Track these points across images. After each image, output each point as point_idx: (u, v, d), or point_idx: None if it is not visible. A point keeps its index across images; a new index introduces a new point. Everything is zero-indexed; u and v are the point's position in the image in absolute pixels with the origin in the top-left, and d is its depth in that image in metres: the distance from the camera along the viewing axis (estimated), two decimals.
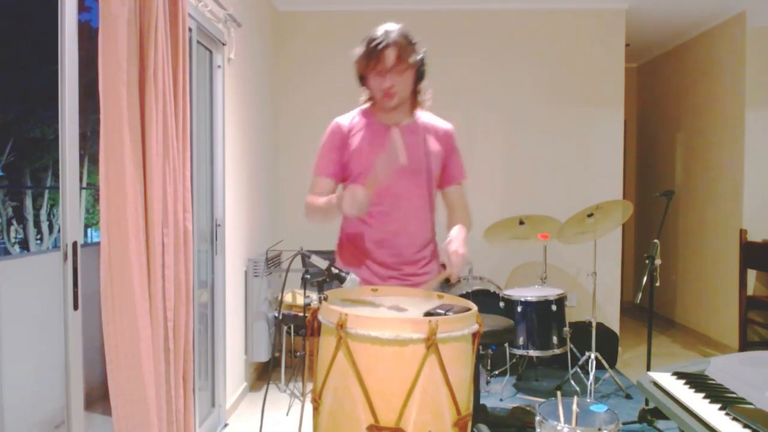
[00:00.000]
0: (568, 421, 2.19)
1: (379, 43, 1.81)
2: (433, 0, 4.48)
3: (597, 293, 4.01)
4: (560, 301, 3.74)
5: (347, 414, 1.42)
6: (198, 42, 2.93)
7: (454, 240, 1.77)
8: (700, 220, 5.22)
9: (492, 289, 4.00)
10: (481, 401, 3.45)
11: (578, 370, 3.79)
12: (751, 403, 1.34)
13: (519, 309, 3.70)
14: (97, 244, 1.79)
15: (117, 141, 1.78)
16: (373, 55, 1.82)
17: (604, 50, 4.60)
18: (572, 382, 3.78)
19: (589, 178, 4.64)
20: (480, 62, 4.63)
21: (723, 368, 1.57)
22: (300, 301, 3.75)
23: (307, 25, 4.64)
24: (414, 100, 1.96)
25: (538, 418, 2.26)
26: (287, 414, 3.46)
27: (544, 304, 3.70)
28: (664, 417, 1.52)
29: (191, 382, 2.27)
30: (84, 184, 7.43)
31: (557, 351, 3.70)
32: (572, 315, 4.43)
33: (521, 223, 4.05)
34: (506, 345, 3.76)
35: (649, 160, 6.30)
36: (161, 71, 1.97)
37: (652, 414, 3.10)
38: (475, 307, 1.57)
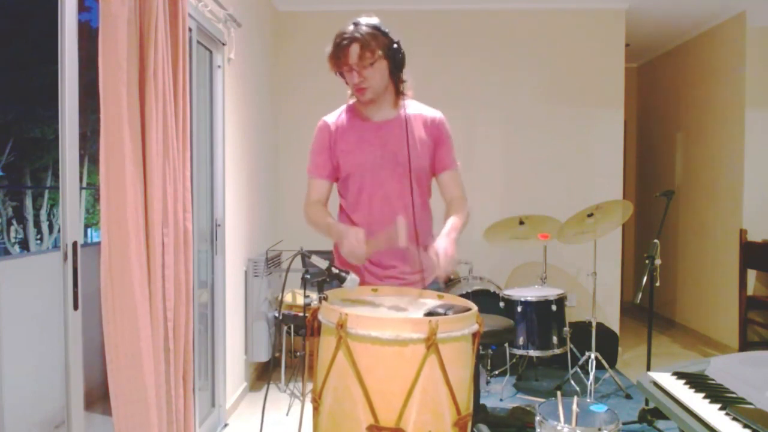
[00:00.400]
0: (568, 421, 2.19)
1: (342, 40, 1.82)
2: (433, 0, 4.48)
3: (597, 293, 4.01)
4: (560, 301, 3.74)
5: (347, 414, 1.42)
6: (198, 42, 2.93)
7: (442, 238, 1.74)
8: (700, 220, 5.22)
9: (492, 289, 4.00)
10: (481, 401, 3.45)
11: (578, 370, 3.79)
12: (751, 403, 1.34)
13: (519, 309, 3.70)
14: (97, 244, 1.79)
15: (117, 141, 1.78)
16: (337, 52, 1.83)
17: (604, 50, 4.60)
18: (572, 382, 3.78)
19: (589, 178, 4.64)
20: (480, 62, 4.63)
21: (723, 368, 1.57)
22: (300, 301, 3.75)
23: (307, 25, 4.64)
24: (395, 91, 1.93)
25: (538, 418, 2.26)
26: (287, 414, 3.46)
27: (544, 304, 3.70)
28: (664, 417, 1.52)
29: (191, 382, 2.27)
30: (84, 184, 7.43)
31: (557, 351, 3.70)
32: (572, 315, 4.43)
33: (521, 223, 4.05)
34: (506, 345, 3.76)
35: (649, 160, 6.30)
36: (161, 71, 1.97)
37: (652, 414, 3.10)
38: (475, 307, 1.57)
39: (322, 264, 1.69)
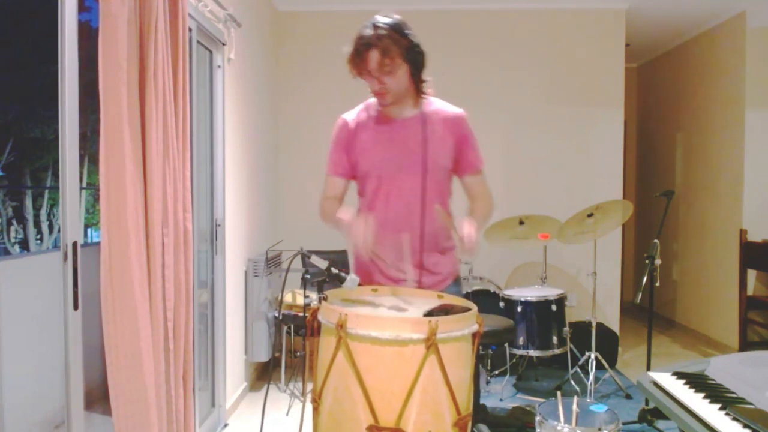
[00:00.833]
0: (568, 421, 2.19)
1: (361, 45, 1.75)
2: (433, 0, 4.48)
3: (597, 293, 4.01)
4: (560, 301, 3.74)
5: (347, 414, 1.42)
6: (198, 42, 2.93)
7: (464, 222, 1.75)
8: (700, 220, 5.22)
9: (492, 289, 4.00)
10: (481, 401, 3.45)
11: (578, 370, 3.79)
12: (751, 403, 1.34)
13: (519, 309, 3.70)
14: (97, 244, 1.79)
15: (117, 141, 1.78)
16: (356, 57, 1.76)
17: (604, 50, 4.60)
18: (572, 382, 3.78)
19: (589, 178, 4.64)
20: (480, 62, 4.63)
21: (723, 368, 1.57)
22: (300, 301, 3.75)
23: (307, 25, 4.64)
24: (416, 89, 1.88)
25: (538, 418, 2.26)
26: (287, 414, 3.46)
27: (544, 304, 3.70)
28: (664, 417, 1.52)
29: (191, 382, 2.27)
30: (84, 184, 7.43)
31: (557, 351, 3.70)
32: (572, 315, 4.43)
33: (521, 223, 4.05)
34: (506, 345, 3.76)
35: (649, 160, 6.30)
36: (161, 71, 1.97)
37: (652, 414, 3.10)
38: (475, 307, 1.57)
39: (322, 264, 1.69)
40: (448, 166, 1.92)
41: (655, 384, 1.59)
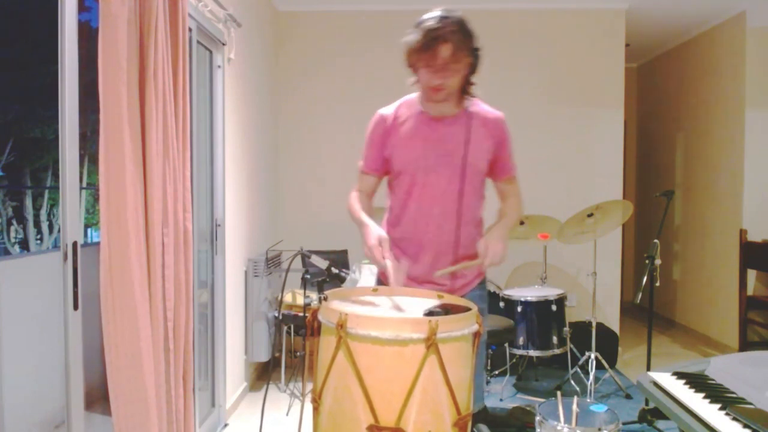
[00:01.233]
0: (568, 421, 2.18)
1: (432, 38, 1.67)
2: (433, 0, 4.47)
3: (597, 293, 4.01)
4: (560, 301, 3.74)
5: (347, 414, 1.42)
6: (198, 42, 2.93)
7: (493, 231, 1.75)
8: (700, 220, 5.22)
9: (492, 289, 4.00)
10: None
11: (578, 370, 3.79)
12: (751, 403, 1.34)
13: (519, 309, 3.70)
14: (97, 244, 1.79)
15: (117, 141, 1.78)
16: (426, 48, 1.68)
17: (604, 50, 4.60)
18: (572, 382, 3.78)
19: (589, 178, 4.64)
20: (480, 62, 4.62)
21: (723, 368, 1.57)
22: (300, 301, 3.75)
23: (307, 25, 4.64)
24: (463, 89, 1.85)
25: (538, 418, 2.26)
26: (287, 414, 3.46)
27: (544, 304, 3.70)
28: (664, 417, 1.52)
29: (191, 382, 2.27)
30: (84, 184, 7.43)
31: (557, 351, 3.70)
32: (572, 315, 4.43)
33: (521, 223, 4.05)
34: (506, 345, 3.76)
35: (649, 160, 6.30)
36: (161, 71, 1.97)
37: (652, 414, 3.10)
38: (475, 307, 1.56)
39: (322, 264, 1.69)
40: (485, 169, 1.89)
41: (655, 384, 1.59)
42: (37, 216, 8.09)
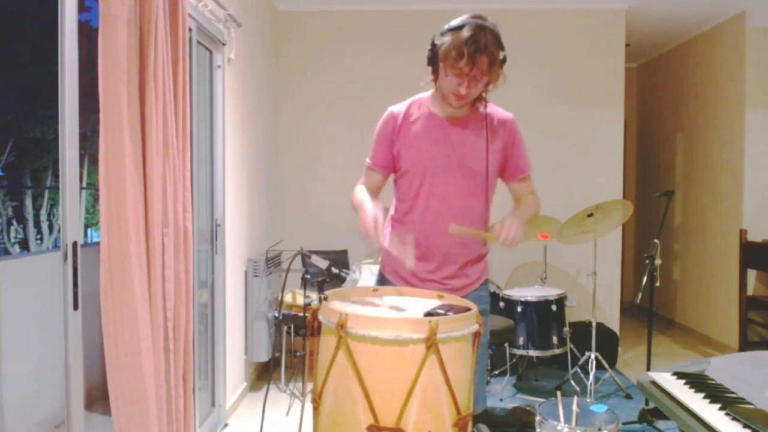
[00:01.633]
0: (568, 421, 2.18)
1: (473, 48, 1.65)
2: (433, 0, 4.48)
3: (597, 293, 4.01)
4: (560, 301, 3.74)
5: (347, 414, 1.42)
6: (198, 42, 2.93)
7: (510, 215, 1.74)
8: (700, 220, 5.22)
9: (492, 289, 3.99)
10: None
11: (578, 370, 3.79)
12: (751, 403, 1.34)
13: (519, 309, 3.70)
14: (97, 244, 1.79)
15: (117, 141, 1.78)
16: (460, 57, 1.67)
17: (604, 50, 4.60)
18: (572, 382, 3.78)
19: (589, 178, 4.64)
20: None
21: (723, 368, 1.57)
22: (300, 301, 3.75)
23: (307, 25, 4.65)
24: (479, 96, 1.85)
25: (538, 418, 2.26)
26: (287, 414, 3.46)
27: (544, 304, 3.70)
28: (664, 417, 1.52)
29: (191, 382, 2.27)
30: (84, 184, 7.43)
31: (557, 351, 3.70)
32: (572, 315, 4.43)
33: None
34: (506, 345, 3.76)
35: (649, 160, 6.30)
36: (161, 71, 1.97)
37: (652, 414, 3.10)
38: (475, 307, 1.57)
39: (322, 264, 1.69)
40: (495, 171, 1.88)
41: (655, 384, 1.59)
42: (37, 216, 8.10)
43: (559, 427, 2.17)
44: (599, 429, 2.14)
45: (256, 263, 3.70)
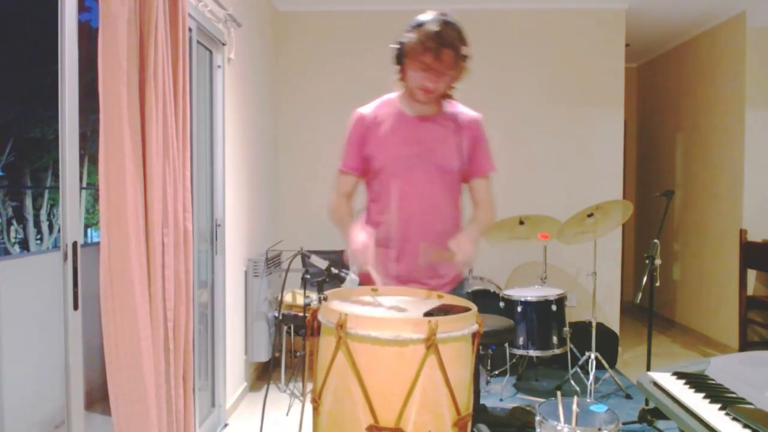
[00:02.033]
0: (568, 421, 2.19)
1: (436, 43, 1.69)
2: (433, 1, 4.47)
3: (597, 293, 4.01)
4: (560, 301, 3.74)
5: (347, 414, 1.42)
6: (198, 42, 2.93)
7: (464, 232, 1.76)
8: (700, 220, 5.22)
9: (492, 289, 4.00)
10: (481, 401, 3.45)
11: (578, 370, 3.79)
12: (751, 403, 1.34)
13: (519, 309, 3.70)
14: (97, 244, 1.79)
15: (117, 141, 1.78)
16: (426, 51, 1.70)
17: (604, 50, 4.60)
18: (572, 382, 3.78)
19: (589, 178, 4.64)
20: (480, 62, 4.59)
21: (723, 368, 1.57)
22: (300, 301, 3.75)
23: (307, 25, 4.65)
24: (445, 92, 1.87)
25: (538, 418, 2.26)
26: (287, 414, 3.46)
27: (544, 304, 3.70)
28: (664, 417, 1.52)
29: (191, 382, 2.27)
30: (84, 184, 7.43)
31: (557, 351, 3.70)
32: (572, 315, 4.43)
33: (521, 223, 4.05)
34: (506, 345, 3.76)
35: (649, 160, 6.30)
36: (161, 71, 1.97)
37: (652, 414, 3.10)
38: (475, 307, 1.56)
39: (322, 264, 1.69)
40: (462, 168, 1.91)
41: (655, 384, 1.59)
42: (37, 216, 8.10)
43: (559, 427, 2.17)
44: (599, 429, 2.15)
45: (256, 263, 3.70)
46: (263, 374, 4.16)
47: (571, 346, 3.85)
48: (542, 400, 2.98)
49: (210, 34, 3.00)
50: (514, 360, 4.02)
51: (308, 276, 3.45)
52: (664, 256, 5.21)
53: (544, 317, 3.69)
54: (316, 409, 1.56)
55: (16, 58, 7.44)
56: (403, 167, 1.84)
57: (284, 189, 4.71)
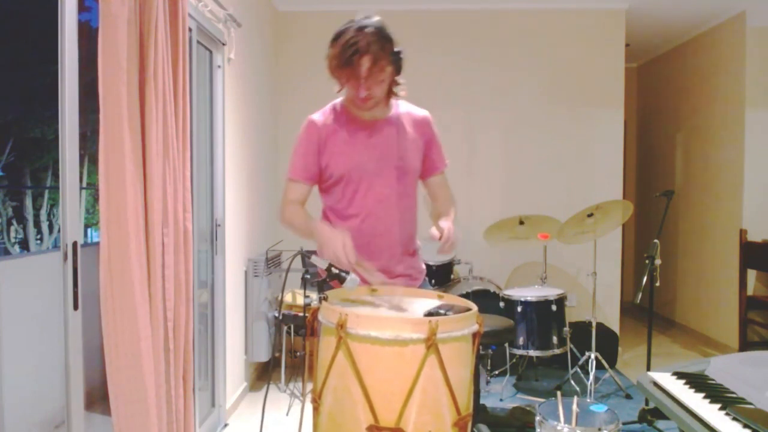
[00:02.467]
0: (568, 421, 2.19)
1: (350, 51, 1.65)
2: (433, 1, 4.48)
3: (597, 293, 4.01)
4: (560, 301, 3.74)
5: (347, 414, 1.42)
6: (198, 42, 2.93)
7: (444, 221, 1.77)
8: (700, 220, 5.22)
9: (492, 289, 4.00)
10: (481, 401, 3.45)
11: (578, 370, 3.79)
12: (751, 403, 1.34)
13: (519, 309, 3.70)
14: (97, 244, 1.79)
15: (117, 141, 1.78)
16: (346, 63, 1.66)
17: (604, 50, 4.60)
18: (572, 382, 3.78)
19: (589, 178, 4.64)
20: (480, 62, 4.63)
21: (723, 368, 1.57)
22: (300, 301, 3.75)
23: (307, 25, 4.64)
24: (390, 92, 1.83)
25: (538, 418, 2.26)
26: (287, 414, 3.46)
27: (544, 304, 3.70)
28: (664, 417, 1.52)
29: (191, 382, 2.27)
30: (84, 184, 7.42)
31: (557, 351, 3.70)
32: (572, 315, 4.43)
33: (521, 223, 4.05)
34: (506, 345, 3.76)
35: (649, 160, 6.30)
36: (161, 71, 1.97)
37: (652, 414, 3.10)
38: (475, 307, 1.57)
39: (322, 264, 1.69)
40: (419, 168, 1.92)
41: (655, 384, 1.59)
42: (37, 216, 8.10)
43: (559, 427, 2.17)
44: (599, 429, 2.15)
45: (256, 263, 3.70)
46: (263, 374, 4.16)
47: (571, 346, 3.85)
48: (542, 400, 2.98)
49: (210, 34, 3.00)
50: (514, 360, 4.02)
51: (308, 276, 3.45)
52: (664, 256, 5.20)
53: (544, 317, 3.69)
54: (316, 409, 1.56)
55: (16, 58, 7.44)
56: (365, 173, 1.83)
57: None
